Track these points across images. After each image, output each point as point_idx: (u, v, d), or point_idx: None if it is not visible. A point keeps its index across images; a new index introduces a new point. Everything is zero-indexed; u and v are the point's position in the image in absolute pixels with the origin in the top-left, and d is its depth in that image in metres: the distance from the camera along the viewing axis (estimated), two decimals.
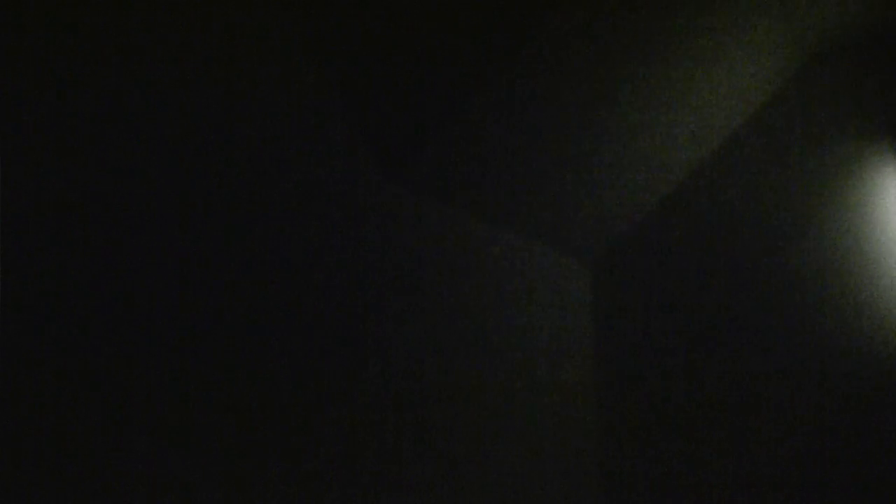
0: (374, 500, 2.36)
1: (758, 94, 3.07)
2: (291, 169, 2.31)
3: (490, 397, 2.80)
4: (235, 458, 2.05)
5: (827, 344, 2.89)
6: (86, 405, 1.78)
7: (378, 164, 2.53)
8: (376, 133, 2.51)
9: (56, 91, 1.80)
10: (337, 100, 2.45)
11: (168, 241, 1.98)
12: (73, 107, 1.82)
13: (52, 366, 1.72)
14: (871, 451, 2.76)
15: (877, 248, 2.86)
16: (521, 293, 2.98)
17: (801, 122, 3.04)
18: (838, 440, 2.82)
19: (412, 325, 2.58)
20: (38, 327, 1.71)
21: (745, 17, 2.67)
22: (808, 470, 2.84)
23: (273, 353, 2.18)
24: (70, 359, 1.76)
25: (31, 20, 1.76)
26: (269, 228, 2.22)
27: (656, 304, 3.18)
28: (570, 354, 3.16)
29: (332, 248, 2.38)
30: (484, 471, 2.73)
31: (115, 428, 1.82)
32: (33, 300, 1.71)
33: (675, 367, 3.12)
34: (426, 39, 2.38)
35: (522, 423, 2.90)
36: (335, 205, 2.41)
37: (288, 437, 2.18)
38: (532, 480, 2.90)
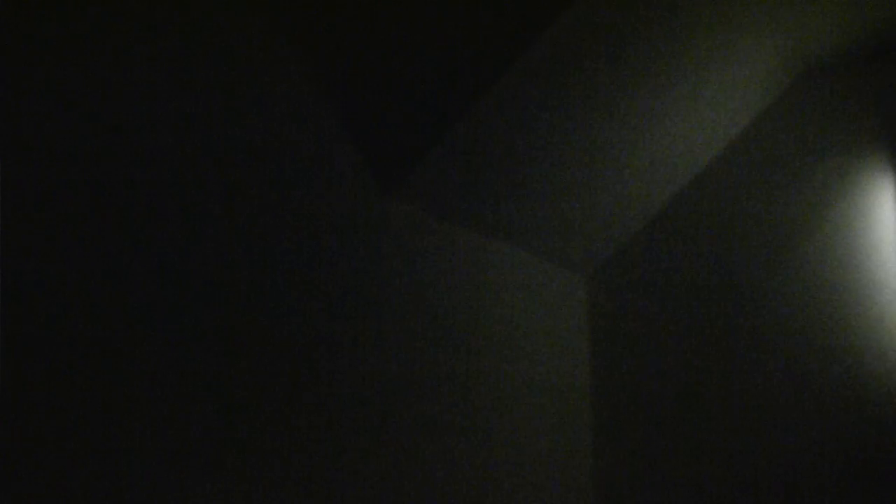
0: (373, 499, 2.36)
1: (752, 108, 3.07)
2: (287, 183, 2.31)
3: (488, 404, 2.80)
4: (234, 461, 2.05)
5: (821, 353, 2.89)
6: (85, 406, 1.77)
7: (376, 177, 2.53)
8: (373, 146, 2.51)
9: (56, 91, 1.80)
10: (333, 111, 2.45)
11: (165, 247, 1.98)
12: (73, 108, 1.82)
13: (52, 366, 1.72)
14: (868, 457, 2.76)
15: (871, 260, 2.86)
16: (517, 303, 2.98)
17: (795, 135, 3.04)
18: (835, 443, 2.82)
19: (410, 333, 2.58)
20: (38, 327, 1.71)
21: (740, 31, 2.68)
22: (806, 473, 2.84)
23: (273, 359, 2.18)
24: (70, 359, 1.76)
25: (30, 20, 1.77)
26: (265, 238, 2.22)
27: (651, 313, 3.18)
28: (566, 362, 3.17)
29: (330, 260, 2.38)
30: (482, 473, 2.73)
31: (113, 429, 1.82)
32: (33, 300, 1.70)
33: (671, 374, 3.12)
34: (423, 51, 2.38)
35: (519, 427, 2.90)
36: (333, 218, 2.41)
37: (290, 442, 2.18)
38: (528, 484, 2.90)
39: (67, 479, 1.72)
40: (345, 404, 2.35)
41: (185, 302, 2.00)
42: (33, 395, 1.69)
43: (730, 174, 3.13)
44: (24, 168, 1.72)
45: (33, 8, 1.77)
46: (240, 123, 2.19)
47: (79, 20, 1.85)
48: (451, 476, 2.63)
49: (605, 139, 2.81)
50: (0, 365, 1.64)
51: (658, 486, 3.07)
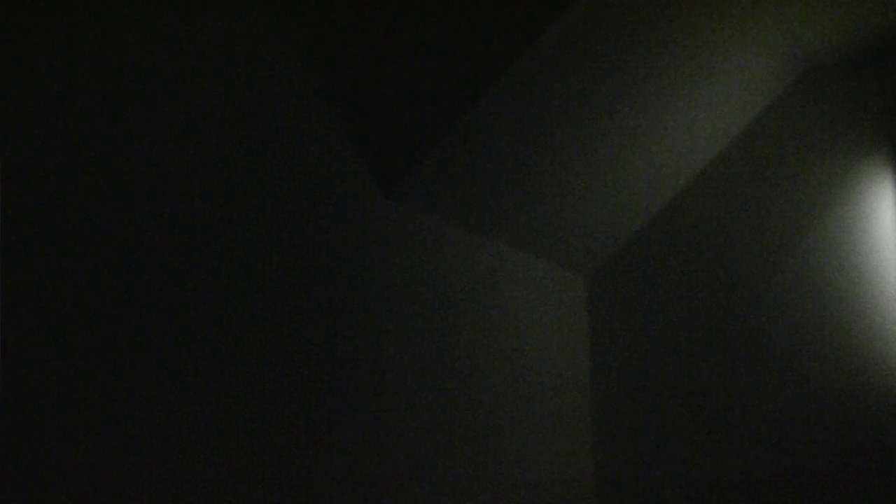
0: (372, 498, 2.36)
1: (752, 108, 3.07)
2: (288, 183, 2.31)
3: (488, 404, 2.79)
4: (234, 461, 2.05)
5: (821, 352, 2.89)
6: (85, 407, 1.77)
7: (376, 177, 2.53)
8: (373, 146, 2.51)
9: (56, 92, 1.80)
10: (333, 112, 2.45)
11: (165, 247, 1.98)
12: (74, 109, 1.82)
13: (52, 366, 1.72)
14: (866, 459, 2.76)
15: (871, 259, 2.86)
16: (517, 303, 2.98)
17: (795, 135, 3.04)
18: (835, 442, 2.82)
19: (409, 333, 2.58)
20: (38, 327, 1.71)
21: (742, 31, 2.68)
22: (806, 473, 2.84)
23: (272, 358, 2.18)
24: (69, 359, 1.76)
25: (30, 20, 1.77)
26: (265, 238, 2.22)
27: (652, 313, 3.18)
28: (566, 362, 3.16)
29: (330, 260, 2.38)
30: (482, 472, 2.72)
31: (113, 430, 1.82)
32: (33, 300, 1.71)
33: (671, 374, 3.12)
34: (423, 51, 2.38)
35: (519, 427, 2.90)
36: (333, 218, 2.41)
37: (289, 442, 2.18)
38: (528, 484, 2.90)
39: (67, 477, 1.72)
40: (344, 403, 2.35)
41: (186, 301, 2.00)
42: (33, 394, 1.69)
43: (730, 174, 3.13)
44: (24, 168, 1.72)
45: (33, 8, 1.77)
46: (240, 124, 2.19)
47: (79, 21, 1.85)
48: (451, 475, 2.63)
49: (605, 139, 2.81)
50: (0, 365, 1.64)
51: (658, 486, 3.07)
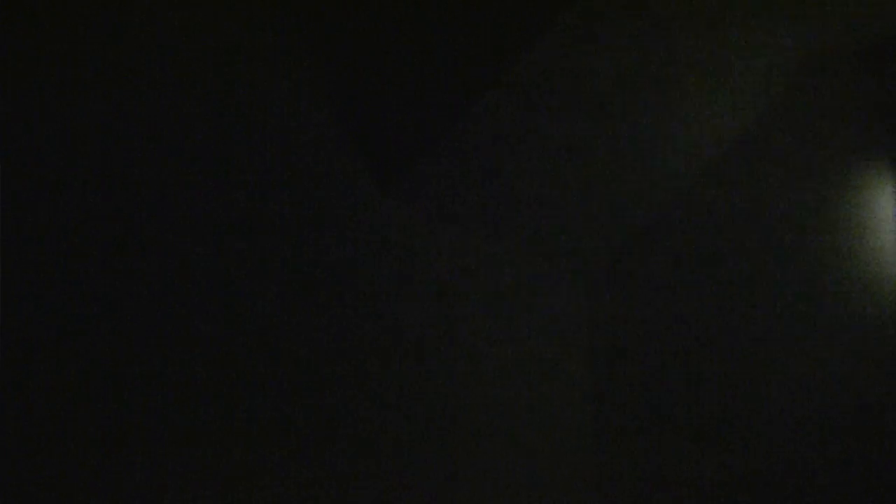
0: (373, 500, 2.36)
1: (752, 107, 3.07)
2: (288, 183, 2.31)
3: (488, 405, 2.79)
4: (232, 460, 2.05)
5: (822, 353, 2.89)
6: (85, 407, 1.77)
7: (376, 177, 2.53)
8: (373, 146, 2.51)
9: (57, 91, 1.80)
10: (334, 112, 2.46)
11: (165, 247, 1.98)
12: (74, 108, 1.82)
13: (52, 366, 1.72)
14: (871, 457, 2.76)
15: (872, 259, 2.86)
16: (517, 304, 2.98)
17: (797, 134, 3.04)
18: (837, 444, 2.82)
19: (409, 333, 2.58)
20: (38, 328, 1.71)
21: (745, 28, 2.68)
22: (808, 474, 2.85)
23: (272, 358, 2.18)
24: (70, 358, 1.76)
25: (30, 20, 1.77)
26: (265, 238, 2.22)
27: (651, 313, 3.18)
28: (566, 363, 3.16)
29: (330, 260, 2.39)
30: (482, 473, 2.72)
31: (114, 431, 1.82)
32: (33, 300, 1.71)
33: (671, 374, 3.12)
34: (423, 52, 2.38)
35: (520, 428, 2.90)
36: (333, 218, 2.41)
37: (289, 441, 2.18)
38: (528, 484, 2.90)
39: (67, 477, 1.72)
40: (343, 404, 2.35)
41: (185, 301, 2.00)
42: (33, 394, 1.69)
43: (730, 174, 3.13)
44: (25, 168, 1.72)
45: (33, 8, 1.77)
46: (240, 124, 2.19)
47: (80, 20, 1.86)
48: (451, 476, 2.63)
49: (605, 139, 2.81)
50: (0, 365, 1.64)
51: (659, 487, 3.07)
